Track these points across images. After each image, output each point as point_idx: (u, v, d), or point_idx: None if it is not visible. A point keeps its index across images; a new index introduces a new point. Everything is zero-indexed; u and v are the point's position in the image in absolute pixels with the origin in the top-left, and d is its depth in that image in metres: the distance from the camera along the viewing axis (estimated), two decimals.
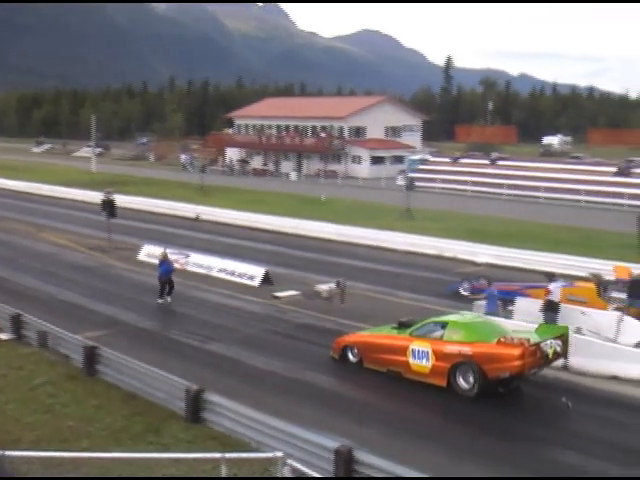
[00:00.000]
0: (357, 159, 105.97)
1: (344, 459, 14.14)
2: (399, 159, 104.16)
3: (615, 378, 21.76)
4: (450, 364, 20.22)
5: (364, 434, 17.13)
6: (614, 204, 68.03)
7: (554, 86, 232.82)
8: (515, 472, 15.82)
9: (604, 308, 27.04)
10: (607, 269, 30.90)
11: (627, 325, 24.58)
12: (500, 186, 78.40)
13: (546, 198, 73.35)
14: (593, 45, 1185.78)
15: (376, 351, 22.07)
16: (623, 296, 27.95)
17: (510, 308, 27.02)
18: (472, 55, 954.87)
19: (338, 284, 30.15)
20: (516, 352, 19.30)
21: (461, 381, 20.14)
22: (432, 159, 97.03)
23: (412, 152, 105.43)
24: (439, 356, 20.43)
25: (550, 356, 20.32)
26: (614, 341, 23.84)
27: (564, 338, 20.97)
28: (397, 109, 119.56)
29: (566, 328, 21.55)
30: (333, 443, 14.57)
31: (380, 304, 30.39)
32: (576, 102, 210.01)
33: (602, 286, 28.53)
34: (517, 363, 19.28)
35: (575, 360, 22.10)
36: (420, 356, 20.87)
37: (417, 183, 72.96)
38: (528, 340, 19.60)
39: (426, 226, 50.75)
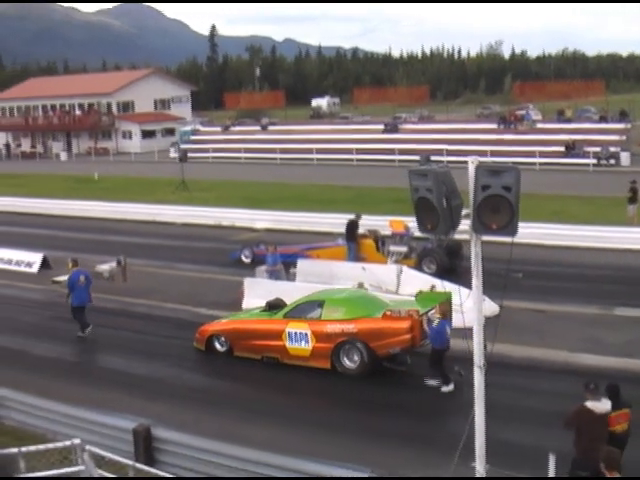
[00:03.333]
0: (128, 134, 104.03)
1: (143, 438, 13.90)
2: (170, 131, 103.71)
3: None
4: (333, 344, 19.02)
5: (156, 410, 16.87)
6: (385, 160, 69.63)
7: (319, 49, 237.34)
8: None
9: (383, 262, 28.04)
10: (383, 224, 31.72)
11: (407, 276, 25.58)
12: (273, 151, 79.02)
13: (319, 160, 74.53)
14: (357, 6, 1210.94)
15: (248, 338, 20.42)
16: (401, 249, 29.04)
17: (293, 270, 27.45)
18: (236, 22, 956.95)
19: (119, 262, 29.71)
20: (404, 325, 18.31)
21: (346, 361, 19.07)
22: (203, 129, 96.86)
23: (183, 123, 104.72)
24: (320, 337, 19.17)
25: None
26: (396, 293, 24.75)
27: (448, 303, 18.97)
28: (164, 81, 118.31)
29: (449, 294, 19.01)
30: (130, 423, 14.25)
31: (162, 279, 30.09)
32: (341, 63, 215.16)
33: (379, 241, 29.51)
34: (407, 337, 18.27)
35: None
36: (298, 339, 19.54)
37: (190, 154, 72.64)
38: (417, 311, 18.57)
39: (202, 196, 50.84)
